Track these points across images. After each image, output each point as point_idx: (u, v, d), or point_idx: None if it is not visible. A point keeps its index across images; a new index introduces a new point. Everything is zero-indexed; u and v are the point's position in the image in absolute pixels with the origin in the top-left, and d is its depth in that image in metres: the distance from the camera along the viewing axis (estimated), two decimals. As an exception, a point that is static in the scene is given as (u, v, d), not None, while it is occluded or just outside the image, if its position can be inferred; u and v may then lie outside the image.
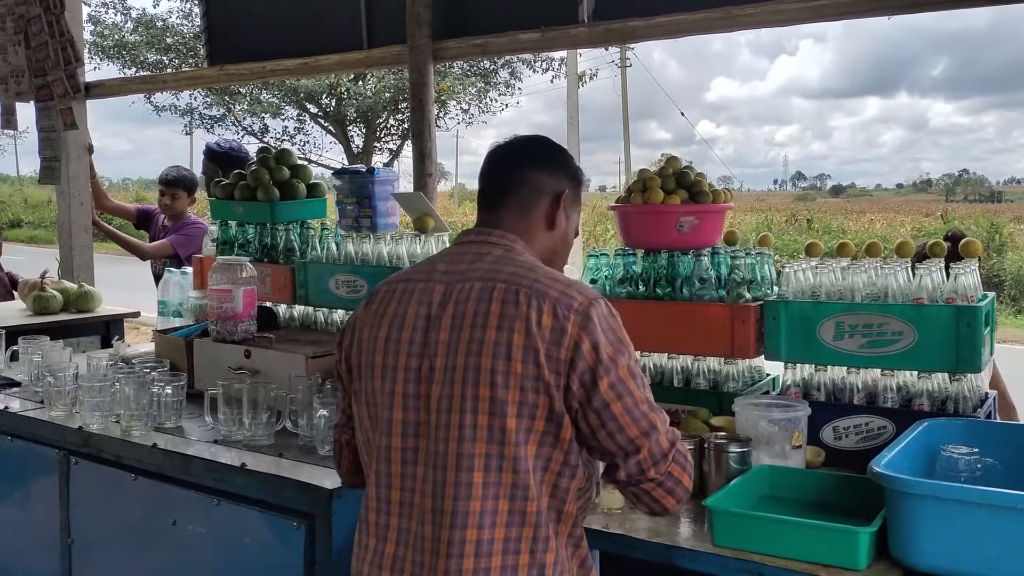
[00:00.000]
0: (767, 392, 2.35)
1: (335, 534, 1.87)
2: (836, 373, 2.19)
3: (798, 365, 2.23)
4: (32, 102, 4.50)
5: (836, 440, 2.13)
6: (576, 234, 1.72)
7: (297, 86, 23.02)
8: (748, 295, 2.29)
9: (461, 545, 1.38)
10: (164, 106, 26.25)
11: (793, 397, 2.19)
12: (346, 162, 27.93)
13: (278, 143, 28.43)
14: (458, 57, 3.56)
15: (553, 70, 21.72)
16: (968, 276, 2.06)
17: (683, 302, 2.34)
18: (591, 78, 24.01)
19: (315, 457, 2.11)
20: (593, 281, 2.47)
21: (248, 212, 3.19)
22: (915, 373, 2.11)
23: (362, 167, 3.11)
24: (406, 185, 3.45)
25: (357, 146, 27.43)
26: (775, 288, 2.32)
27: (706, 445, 1.93)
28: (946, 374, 2.07)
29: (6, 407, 2.55)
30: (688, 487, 1.49)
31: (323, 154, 28.44)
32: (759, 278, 2.33)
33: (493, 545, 1.39)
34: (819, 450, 2.06)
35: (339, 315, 3.03)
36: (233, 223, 3.25)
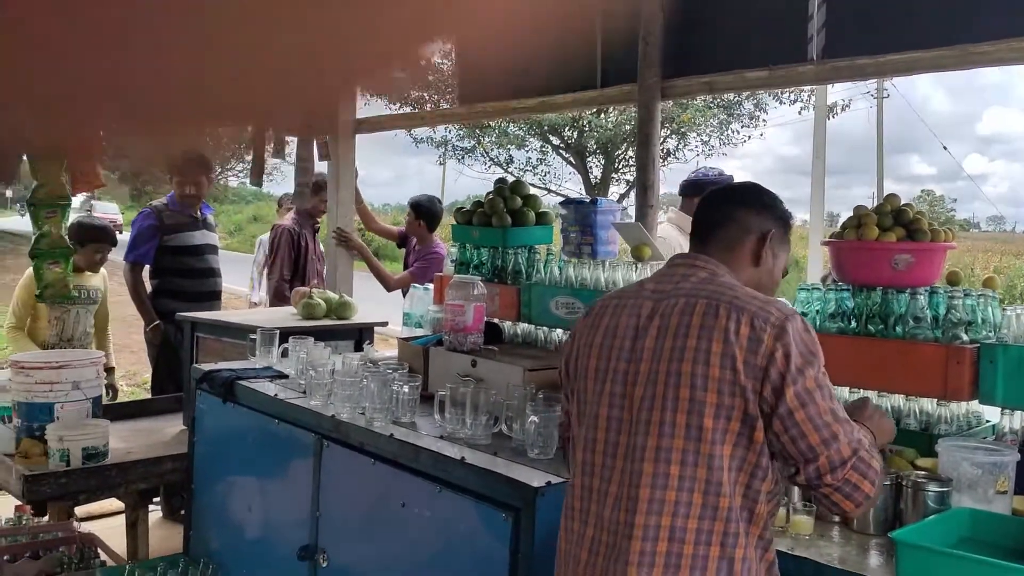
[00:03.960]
0: (985, 438, 2.28)
1: (538, 527, 2.07)
2: (1059, 422, 2.10)
3: (1016, 412, 2.16)
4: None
5: (1055, 493, 2.05)
6: (784, 273, 1.83)
7: (541, 119, 23.93)
8: (965, 337, 2.25)
9: (656, 529, 1.53)
10: (422, 138, 28.39)
11: (1008, 444, 2.13)
12: (583, 191, 28.67)
13: (521, 173, 29.70)
14: (685, 95, 3.69)
15: (801, 101, 21.09)
16: None
17: (896, 340, 2.34)
18: (843, 109, 23.04)
19: (525, 458, 2.32)
20: (804, 315, 2.52)
21: (483, 236, 3.50)
22: None
23: (587, 198, 3.33)
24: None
25: (595, 176, 28.02)
26: (999, 332, 2.26)
27: (904, 483, 1.94)
28: None
29: (276, 394, 2.99)
30: (869, 492, 1.56)
31: (562, 184, 29.37)
32: (979, 320, 2.28)
33: (686, 534, 1.53)
34: (1033, 499, 2.00)
35: (558, 333, 3.26)
36: (470, 246, 3.58)
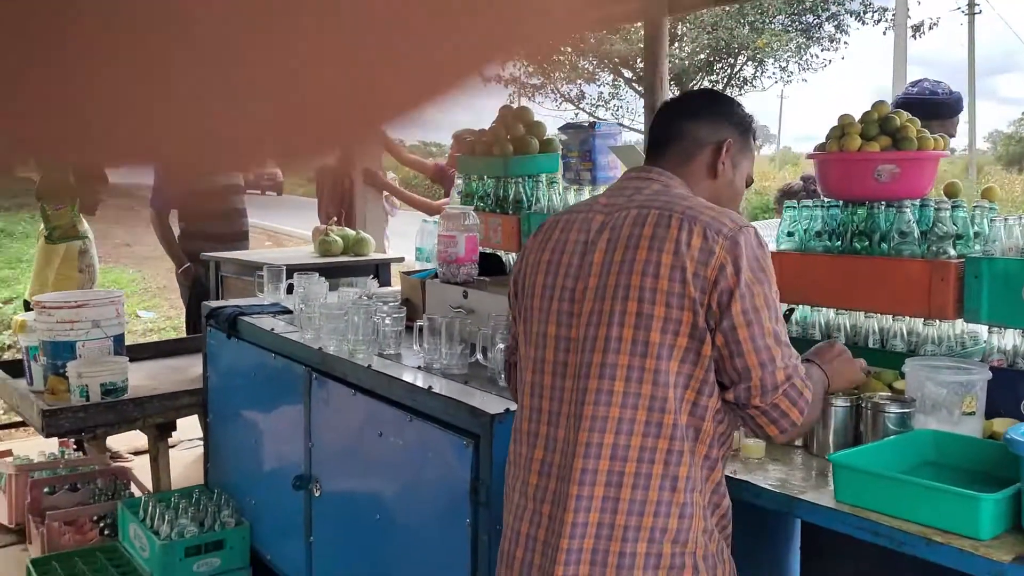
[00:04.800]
0: (961, 359, 2.14)
1: (495, 453, 2.05)
2: (1048, 340, 1.96)
3: (1006, 331, 2.02)
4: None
5: (1040, 414, 1.92)
6: (749, 183, 1.73)
7: (611, 51, 23.43)
8: (953, 251, 2.11)
9: (599, 447, 1.49)
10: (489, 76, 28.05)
11: (995, 365, 2.00)
12: (659, 126, 28.01)
13: (593, 108, 29.21)
14: (692, 9, 3.52)
15: (886, 21, 20.05)
16: None
17: (880, 257, 2.21)
18: (931, 28, 21.81)
19: (496, 387, 2.30)
20: (790, 234, 2.40)
21: (485, 166, 3.44)
22: None
23: (586, 122, 3.23)
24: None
25: (670, 109, 27.35)
26: (988, 245, 2.10)
27: (863, 404, 1.84)
28: None
29: (272, 329, 3.04)
30: (796, 420, 1.49)
31: (635, 118, 28.83)
32: (971, 234, 2.13)
33: (629, 451, 1.48)
34: (1011, 421, 1.87)
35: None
36: (475, 176, 3.53)
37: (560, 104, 27.92)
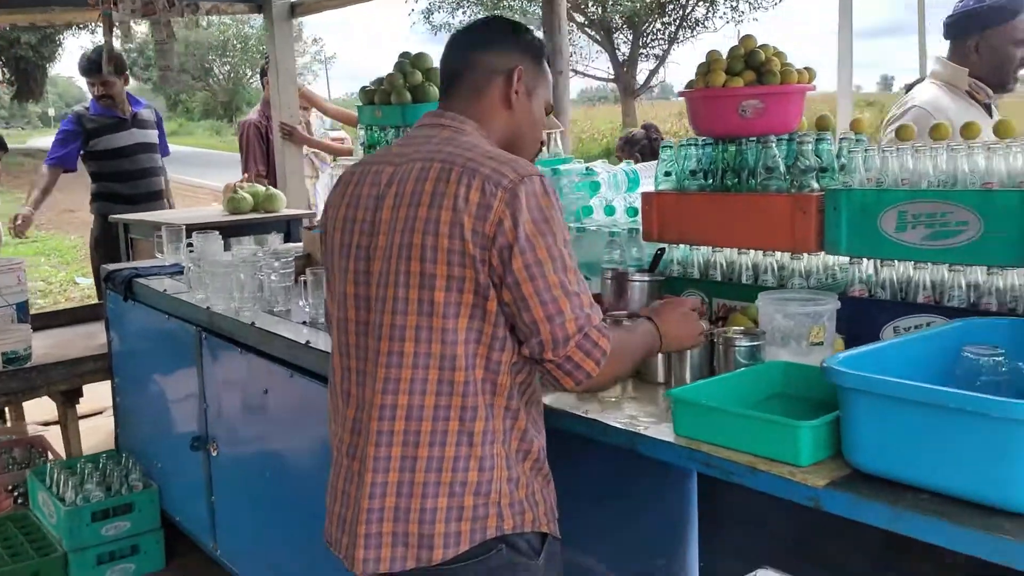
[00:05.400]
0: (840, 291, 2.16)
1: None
2: (902, 270, 1.98)
3: (865, 261, 2.04)
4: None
5: (897, 342, 1.95)
6: (550, 111, 1.71)
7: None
8: (816, 184, 2.11)
9: (393, 409, 1.49)
10: (440, 25, 27.67)
11: (856, 294, 2.02)
12: (611, 71, 27.90)
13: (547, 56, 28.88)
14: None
15: (833, -43, 19.94)
16: (1053, 156, 1.76)
17: (748, 193, 2.21)
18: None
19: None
20: (668, 173, 2.39)
21: (385, 115, 3.38)
22: (984, 269, 1.85)
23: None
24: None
25: (623, 54, 27.19)
26: (848, 176, 2.11)
27: (716, 339, 1.85)
28: (1021, 270, 1.80)
29: (165, 290, 2.99)
30: (591, 371, 1.48)
31: (590, 64, 28.61)
32: (835, 166, 2.14)
33: (424, 411, 1.48)
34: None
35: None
36: (375, 127, 3.47)
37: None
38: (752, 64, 2.20)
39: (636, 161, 3.85)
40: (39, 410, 4.40)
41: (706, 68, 2.23)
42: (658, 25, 26.65)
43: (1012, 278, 1.82)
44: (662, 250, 2.31)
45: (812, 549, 1.99)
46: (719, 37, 26.02)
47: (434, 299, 1.46)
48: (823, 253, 2.12)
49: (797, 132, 2.20)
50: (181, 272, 3.23)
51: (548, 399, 1.85)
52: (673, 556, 2.33)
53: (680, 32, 26.42)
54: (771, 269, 2.23)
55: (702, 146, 2.34)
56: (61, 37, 30.29)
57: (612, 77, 28.05)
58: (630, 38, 27.19)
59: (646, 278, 2.28)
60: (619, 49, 27.07)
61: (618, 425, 1.69)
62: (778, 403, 1.74)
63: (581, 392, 1.55)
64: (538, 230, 1.45)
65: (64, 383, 3.39)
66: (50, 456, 3.79)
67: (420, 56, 3.48)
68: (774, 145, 2.16)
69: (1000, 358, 1.54)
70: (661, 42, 26.83)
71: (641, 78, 27.62)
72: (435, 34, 27.69)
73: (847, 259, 2.17)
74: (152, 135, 4.81)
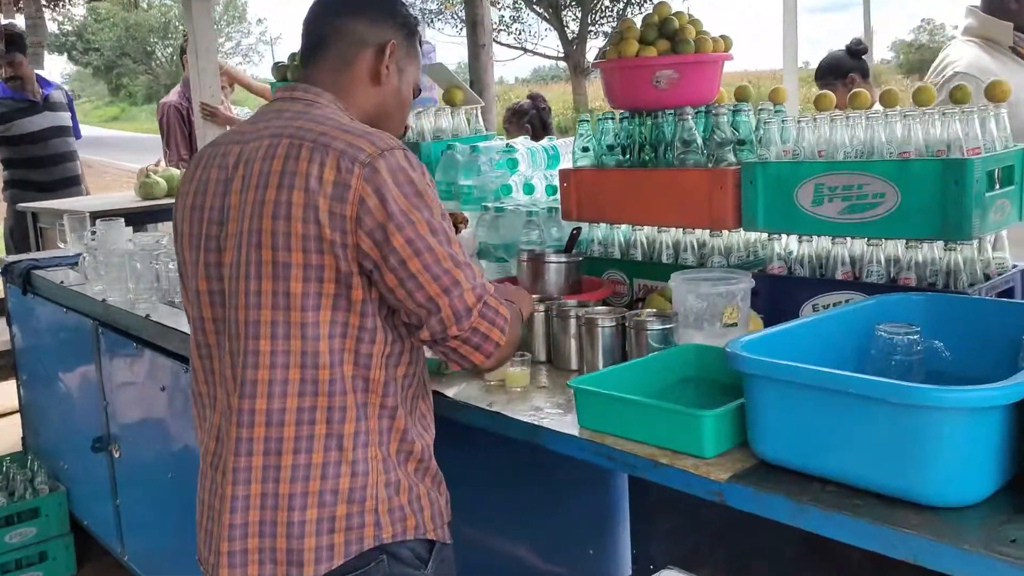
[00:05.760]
0: (759, 268, 2.08)
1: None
2: (821, 245, 1.90)
3: (784, 237, 1.96)
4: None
5: (816, 320, 1.87)
6: (418, 92, 1.59)
7: (509, -27, 22.87)
8: (733, 158, 2.02)
9: (252, 414, 1.35)
10: (386, 4, 27.16)
11: (775, 272, 1.94)
12: (561, 49, 27.75)
13: (496, 33, 28.64)
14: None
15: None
16: (970, 121, 1.68)
17: (665, 169, 2.11)
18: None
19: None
20: (585, 149, 2.28)
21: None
22: (903, 243, 1.78)
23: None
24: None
25: (572, 31, 27.05)
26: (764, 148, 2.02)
27: (627, 323, 1.76)
28: (940, 243, 1.73)
29: (62, 281, 2.82)
30: (499, 340, 1.37)
31: (539, 43, 28.40)
32: (753, 139, 2.04)
33: (285, 415, 1.35)
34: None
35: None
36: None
37: (461, 30, 27.34)
38: (666, 33, 2.10)
39: (526, 133, 3.74)
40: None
41: (619, 37, 2.12)
42: (606, 1, 26.53)
43: (931, 251, 1.75)
44: (578, 230, 2.21)
45: (746, 538, 1.91)
46: (679, 5, 25.96)
47: (290, 291, 1.32)
48: (742, 230, 2.03)
49: (714, 104, 2.11)
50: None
51: (452, 391, 1.75)
52: (603, 546, 2.25)
53: (628, 9, 26.34)
54: (691, 247, 2.14)
55: (619, 120, 2.23)
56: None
57: (562, 55, 27.91)
58: (579, 15, 27.07)
59: (563, 259, 2.17)
60: (568, 27, 26.93)
61: (521, 419, 1.58)
62: (691, 388, 1.65)
63: (491, 367, 1.43)
64: (412, 204, 1.32)
65: (-36, 382, 3.20)
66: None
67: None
68: (691, 118, 2.07)
69: (915, 336, 1.46)
70: (610, 18, 26.71)
71: (591, 55, 27.53)
72: (381, 13, 27.22)
73: (767, 235, 2.09)
74: (65, 118, 4.58)
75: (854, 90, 1.92)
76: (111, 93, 46.76)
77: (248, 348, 1.35)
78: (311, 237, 1.31)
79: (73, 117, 4.73)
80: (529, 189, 2.48)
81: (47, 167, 4.42)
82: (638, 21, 2.16)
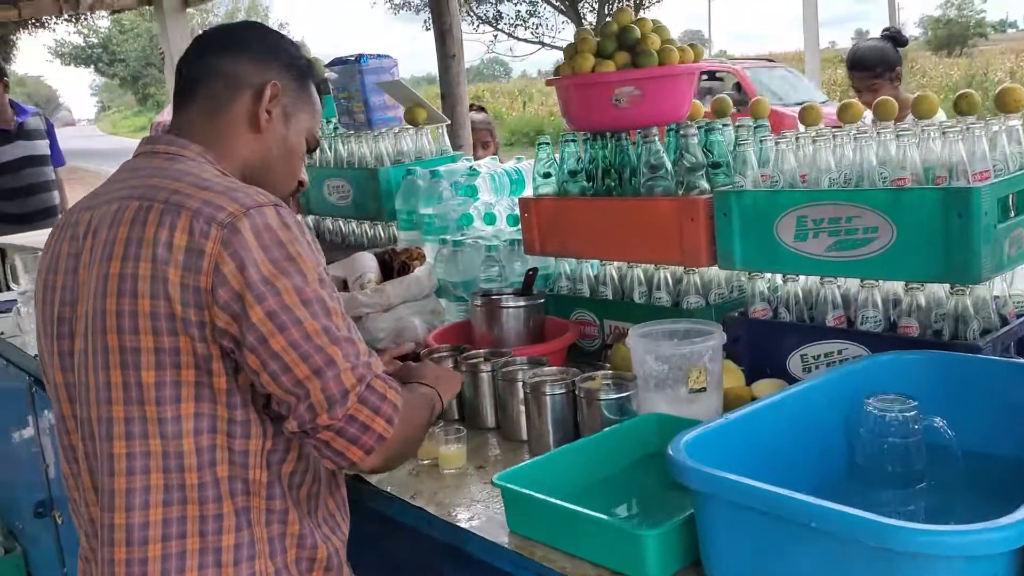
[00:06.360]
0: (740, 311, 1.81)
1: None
2: (810, 282, 1.63)
3: (766, 274, 1.69)
4: None
5: (805, 372, 1.61)
6: (314, 145, 1.35)
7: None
8: (706, 184, 1.76)
9: (111, 531, 1.14)
10: (401, 2, 27.02)
11: (758, 315, 1.68)
12: (580, 41, 27.31)
13: (512, 28, 28.34)
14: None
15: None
16: (976, 139, 1.40)
17: (630, 198, 1.86)
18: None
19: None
20: (547, 175, 2.03)
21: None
22: (903, 284, 1.51)
23: (352, 55, 2.80)
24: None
25: (590, 23, 26.68)
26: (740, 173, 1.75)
27: (577, 392, 1.50)
28: (944, 285, 1.46)
29: (2, 331, 2.62)
30: (384, 433, 1.12)
31: (556, 36, 28.01)
32: (729, 161, 1.78)
33: (148, 530, 1.13)
34: (776, 383, 1.55)
35: (342, 225, 2.81)
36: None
37: (478, 27, 27.06)
38: (625, 43, 1.83)
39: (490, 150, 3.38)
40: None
41: (572, 50, 1.87)
42: (625, -11, 26.13)
43: (936, 291, 1.48)
44: (534, 270, 1.96)
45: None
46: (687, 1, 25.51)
47: (142, 381, 1.11)
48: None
49: (684, 123, 1.85)
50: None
51: (376, 476, 1.51)
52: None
53: (645, -1, 25.91)
54: (665, 284, 1.88)
55: (586, 141, 1.98)
56: (15, 37, 29.47)
57: (580, 48, 27.53)
58: (596, 7, 26.72)
59: (520, 303, 1.93)
60: (585, 18, 26.58)
61: (443, 517, 1.34)
62: (655, 468, 1.40)
63: (375, 466, 1.16)
64: (278, 269, 1.09)
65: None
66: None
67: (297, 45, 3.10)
68: (657, 139, 1.81)
69: (911, 412, 1.20)
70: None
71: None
72: (396, 13, 27.08)
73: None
74: (41, 146, 4.40)
75: (879, 98, 1.63)
76: (139, 103, 47.11)
77: (102, 451, 1.14)
78: (161, 316, 1.10)
79: (53, 144, 4.56)
80: (490, 219, 2.23)
81: (20, 198, 4.25)
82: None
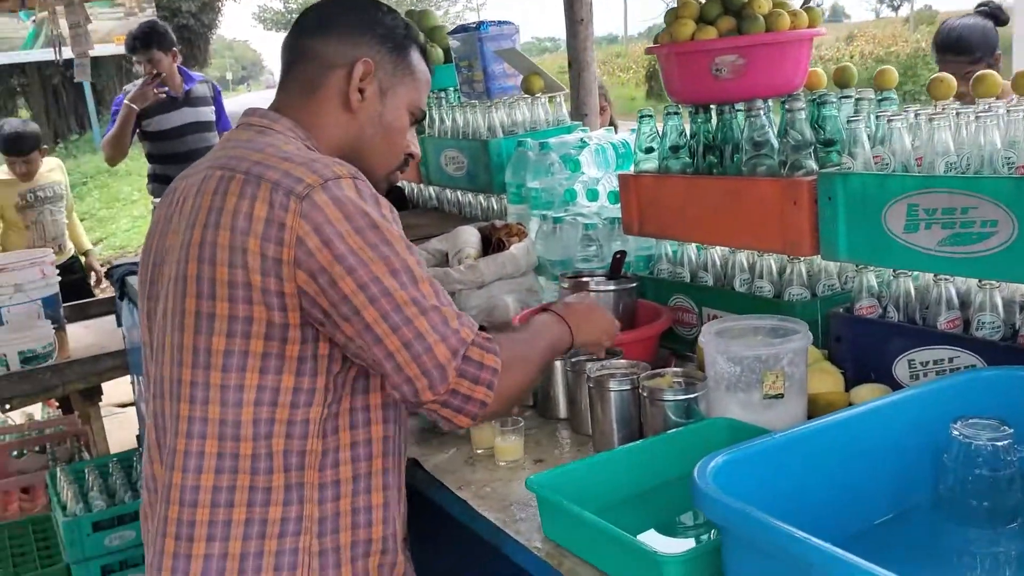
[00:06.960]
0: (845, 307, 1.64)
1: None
2: (924, 279, 1.45)
3: (873, 268, 1.52)
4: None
5: (912, 379, 1.43)
6: (421, 115, 1.32)
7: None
8: (814, 165, 1.59)
9: (168, 490, 1.17)
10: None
11: (864, 313, 1.51)
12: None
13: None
14: None
15: None
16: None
17: (731, 177, 1.71)
18: None
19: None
20: (649, 150, 1.91)
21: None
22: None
23: (474, 23, 2.75)
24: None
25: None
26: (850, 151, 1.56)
27: (640, 390, 1.40)
28: (1078, 291, 1.25)
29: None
30: (485, 399, 1.12)
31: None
32: (850, 139, 1.59)
33: (199, 494, 1.15)
34: (881, 388, 1.39)
35: (459, 196, 2.79)
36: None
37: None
38: (731, 8, 1.68)
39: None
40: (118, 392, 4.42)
41: (673, 15, 1.73)
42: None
43: (1066, 301, 1.26)
44: (622, 252, 1.85)
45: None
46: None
47: (212, 347, 1.13)
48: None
49: (793, 95, 1.67)
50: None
51: (434, 460, 1.48)
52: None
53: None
54: (767, 273, 1.73)
55: (687, 114, 1.84)
56: (220, 3, 31.49)
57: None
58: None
59: (611, 286, 1.83)
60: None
61: (487, 514, 1.29)
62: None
63: (489, 418, 1.18)
64: (365, 241, 1.10)
65: (80, 383, 3.29)
66: (85, 455, 3.75)
67: (423, 14, 3.10)
68: (763, 114, 1.65)
69: (1004, 441, 1.04)
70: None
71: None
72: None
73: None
74: (206, 112, 4.64)
75: (978, 72, 1.43)
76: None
77: (168, 411, 1.19)
78: (238, 284, 1.11)
79: (220, 110, 4.80)
80: (592, 195, 2.13)
81: (184, 163, 4.50)
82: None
